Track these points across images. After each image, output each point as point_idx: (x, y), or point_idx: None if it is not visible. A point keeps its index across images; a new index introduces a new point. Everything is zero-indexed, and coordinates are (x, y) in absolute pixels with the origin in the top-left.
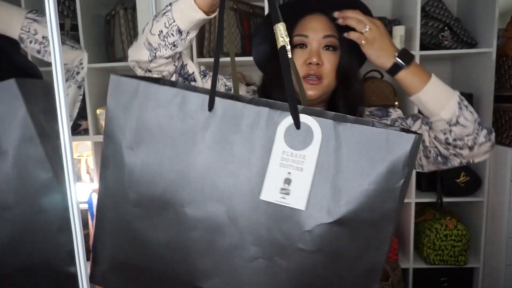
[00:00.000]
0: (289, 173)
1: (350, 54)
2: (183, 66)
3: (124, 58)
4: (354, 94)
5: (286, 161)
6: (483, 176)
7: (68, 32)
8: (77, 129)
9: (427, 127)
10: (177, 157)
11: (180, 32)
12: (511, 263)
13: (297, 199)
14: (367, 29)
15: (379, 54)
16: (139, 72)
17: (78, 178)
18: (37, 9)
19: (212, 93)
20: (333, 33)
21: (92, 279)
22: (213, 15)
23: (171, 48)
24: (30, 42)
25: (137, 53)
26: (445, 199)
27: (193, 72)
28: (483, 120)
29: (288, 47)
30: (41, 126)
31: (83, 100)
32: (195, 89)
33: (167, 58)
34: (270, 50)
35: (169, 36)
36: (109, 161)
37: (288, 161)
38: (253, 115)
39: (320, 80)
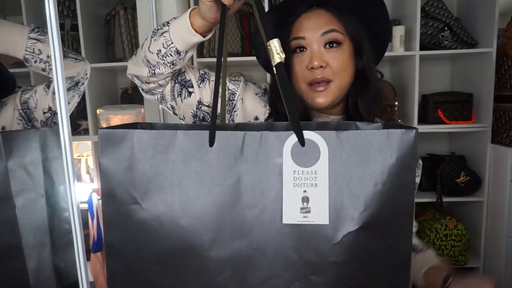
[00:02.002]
0: (304, 191)
1: (362, 46)
2: (180, 73)
3: (124, 58)
4: (373, 92)
5: (299, 180)
6: (483, 176)
7: (68, 32)
8: (77, 129)
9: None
10: (188, 202)
11: (178, 52)
12: (511, 263)
13: (319, 215)
14: None
15: None
16: (137, 82)
17: (78, 178)
18: (39, 26)
19: (213, 128)
20: (334, 27)
21: None
22: (209, 35)
23: (170, 66)
24: (35, 61)
25: (137, 69)
26: (445, 199)
27: (190, 79)
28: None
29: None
30: (21, 182)
31: (83, 100)
32: (190, 127)
33: (166, 74)
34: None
35: (168, 56)
36: (113, 222)
37: (301, 180)
38: (256, 141)
39: (328, 84)
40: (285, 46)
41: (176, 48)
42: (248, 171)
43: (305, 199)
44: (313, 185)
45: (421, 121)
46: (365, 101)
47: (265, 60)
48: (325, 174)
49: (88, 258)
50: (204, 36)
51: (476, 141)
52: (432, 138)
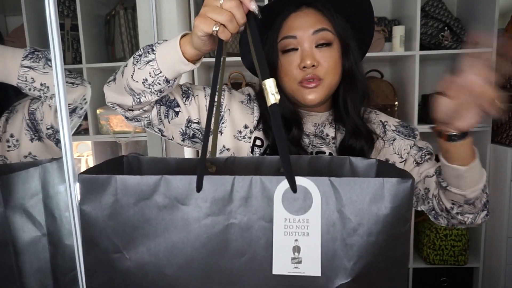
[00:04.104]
0: (296, 240)
1: (349, 45)
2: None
3: (124, 58)
4: (361, 90)
5: (290, 229)
6: None
7: (68, 32)
8: (77, 129)
9: (438, 184)
10: (174, 250)
11: (167, 81)
12: (511, 263)
13: (311, 266)
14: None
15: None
16: (119, 111)
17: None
18: (33, 50)
19: (200, 173)
20: (324, 26)
21: None
22: (199, 63)
23: (157, 94)
24: (29, 89)
25: (118, 97)
26: None
27: (175, 98)
28: (486, 186)
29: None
30: (21, 226)
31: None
32: (178, 162)
33: (152, 102)
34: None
35: (155, 85)
36: (95, 271)
37: (293, 228)
38: (245, 187)
39: (320, 81)
40: (274, 46)
41: (165, 77)
42: (237, 217)
43: (296, 249)
44: (304, 234)
45: (421, 121)
46: (353, 100)
47: (249, 61)
48: (317, 222)
49: None
50: (194, 64)
51: (476, 141)
52: (432, 138)
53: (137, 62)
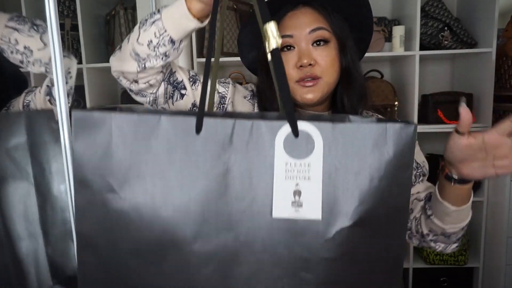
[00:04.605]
0: (297, 184)
1: (346, 44)
2: (172, 73)
3: None
4: (358, 89)
5: (291, 173)
6: None
7: (68, 32)
8: None
9: (423, 209)
10: (171, 192)
11: (172, 41)
12: (511, 263)
13: (312, 210)
14: None
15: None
16: (124, 83)
17: None
18: (20, 14)
19: (200, 113)
20: (321, 25)
21: None
22: (206, 21)
23: (162, 58)
24: (11, 52)
25: (123, 64)
26: None
27: (182, 80)
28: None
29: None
30: (4, 169)
31: (83, 100)
32: (175, 113)
33: (157, 68)
34: (260, 55)
35: (160, 46)
36: (86, 212)
37: (294, 172)
38: (246, 130)
39: (317, 79)
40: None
41: (170, 36)
42: (237, 161)
43: (297, 193)
44: (306, 178)
45: (421, 121)
46: (351, 99)
47: (249, 60)
48: (319, 167)
49: None
50: (201, 22)
51: None
52: (432, 138)
53: (142, 25)
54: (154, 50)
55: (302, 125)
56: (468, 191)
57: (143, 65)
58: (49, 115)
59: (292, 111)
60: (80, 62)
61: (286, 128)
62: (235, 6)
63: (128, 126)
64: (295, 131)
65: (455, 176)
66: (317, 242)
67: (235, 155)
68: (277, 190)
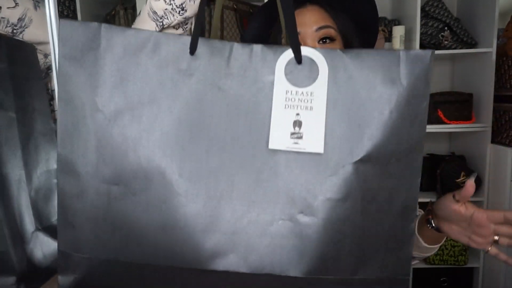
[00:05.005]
0: (297, 114)
1: (352, 43)
2: None
3: None
4: None
5: (292, 102)
6: (483, 176)
7: None
8: None
9: None
10: (160, 114)
11: None
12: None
13: (312, 142)
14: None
15: None
16: None
17: None
18: None
19: (196, 33)
20: (328, 23)
21: None
22: None
23: (179, 12)
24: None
25: (143, 27)
26: None
27: None
28: None
29: None
30: None
31: None
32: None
33: (175, 28)
34: None
35: None
36: (69, 132)
37: (295, 101)
38: (245, 55)
39: None
40: (277, 42)
41: None
42: (233, 87)
43: (297, 123)
44: (307, 108)
45: None
46: None
47: None
48: (322, 96)
49: None
50: None
51: (476, 141)
52: (432, 138)
53: None
54: (170, 4)
55: (306, 50)
56: (442, 236)
57: (161, 24)
58: (32, 49)
59: (295, 34)
60: None
61: (288, 53)
62: (235, 6)
63: (118, 40)
64: (298, 56)
65: (434, 225)
66: (318, 179)
67: (231, 80)
68: (275, 119)
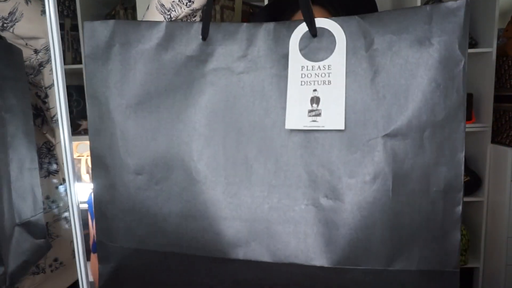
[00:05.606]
0: (315, 90)
1: None
2: None
3: None
4: None
5: (308, 77)
6: (483, 176)
7: (68, 32)
8: (77, 129)
9: None
10: (176, 103)
11: None
12: (511, 263)
13: (333, 119)
14: None
15: None
16: None
17: (78, 178)
18: None
19: (206, 18)
20: None
21: (104, 285)
22: None
23: (186, 4)
24: None
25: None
26: None
27: None
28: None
29: None
30: None
31: (83, 100)
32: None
33: (183, 21)
34: None
35: None
36: (96, 127)
37: (311, 77)
38: (257, 34)
39: None
40: None
41: None
42: (247, 69)
43: (315, 100)
44: (325, 83)
45: None
46: None
47: None
48: (341, 68)
49: (88, 258)
50: None
51: (476, 141)
52: None
53: None
54: None
55: (321, 21)
56: None
57: (169, 17)
58: (19, 51)
59: (309, 7)
60: (80, 62)
61: (302, 28)
62: (235, 6)
63: (132, 32)
64: (313, 29)
65: None
66: (342, 159)
67: (245, 62)
68: (291, 98)
